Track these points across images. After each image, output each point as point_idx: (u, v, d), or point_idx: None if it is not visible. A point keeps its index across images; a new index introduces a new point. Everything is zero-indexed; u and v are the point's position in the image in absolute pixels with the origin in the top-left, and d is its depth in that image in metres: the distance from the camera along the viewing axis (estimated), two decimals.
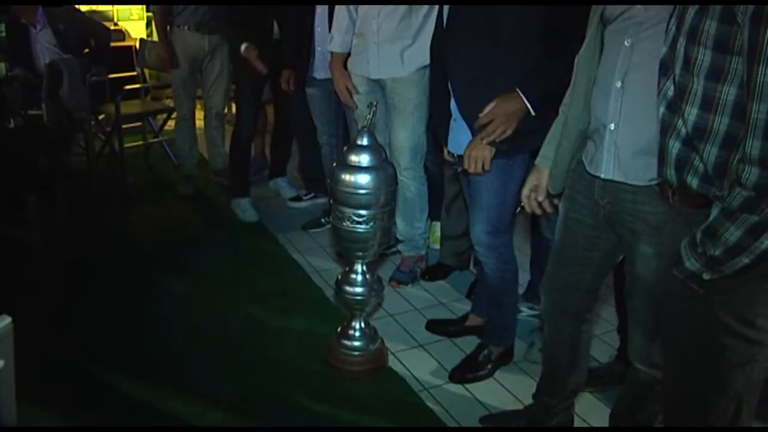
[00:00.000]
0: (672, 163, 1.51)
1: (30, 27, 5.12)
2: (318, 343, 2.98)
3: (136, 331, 3.15)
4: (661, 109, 1.52)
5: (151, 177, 5.46)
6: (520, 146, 2.44)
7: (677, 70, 1.44)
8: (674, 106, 1.47)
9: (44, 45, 5.06)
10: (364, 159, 2.53)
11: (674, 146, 1.49)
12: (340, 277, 2.85)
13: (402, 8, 3.15)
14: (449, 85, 2.55)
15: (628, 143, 1.76)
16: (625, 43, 1.73)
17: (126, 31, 7.58)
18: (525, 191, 2.20)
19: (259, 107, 4.70)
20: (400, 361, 2.93)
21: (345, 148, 2.65)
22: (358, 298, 2.78)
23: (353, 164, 2.53)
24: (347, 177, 2.52)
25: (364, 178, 2.51)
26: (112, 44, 5.52)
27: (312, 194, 4.65)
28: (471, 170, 2.47)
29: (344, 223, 2.59)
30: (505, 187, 2.55)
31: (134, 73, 5.90)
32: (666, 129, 1.51)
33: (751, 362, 1.51)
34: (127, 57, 6.35)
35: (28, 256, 3.85)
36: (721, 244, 1.37)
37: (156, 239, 4.25)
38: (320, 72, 3.86)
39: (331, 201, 2.64)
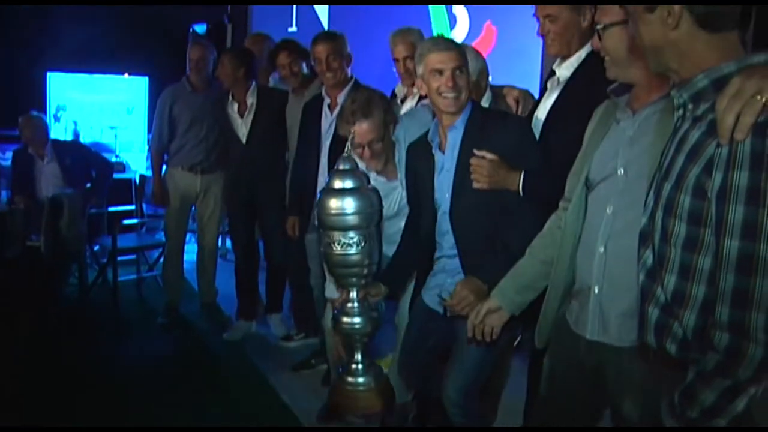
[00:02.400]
0: (651, 329, 1.57)
1: (37, 158, 5.29)
2: None
3: None
4: (641, 277, 1.59)
5: (143, 309, 5.48)
6: None
7: (656, 241, 1.52)
8: (653, 274, 1.54)
9: (49, 177, 5.22)
10: (348, 183, 2.44)
11: (653, 313, 1.55)
12: (333, 317, 2.66)
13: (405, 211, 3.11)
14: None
15: (612, 306, 1.82)
16: (607, 210, 1.83)
17: (126, 163, 7.79)
18: (476, 319, 2.21)
19: (254, 243, 4.84)
20: None
21: (329, 176, 2.54)
22: (357, 326, 2.56)
23: (338, 188, 2.44)
24: (334, 201, 2.42)
25: (349, 202, 2.41)
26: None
27: (303, 334, 4.68)
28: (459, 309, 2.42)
29: (335, 248, 2.45)
30: (494, 345, 2.48)
31: (132, 207, 6.04)
32: (645, 296, 1.58)
33: None
34: (126, 189, 6.50)
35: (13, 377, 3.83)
36: (698, 406, 1.41)
37: (143, 373, 4.22)
38: None
39: (321, 230, 2.52)
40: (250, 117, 4.46)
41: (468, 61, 2.59)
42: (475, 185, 2.50)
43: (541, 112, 2.69)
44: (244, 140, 4.49)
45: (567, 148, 2.23)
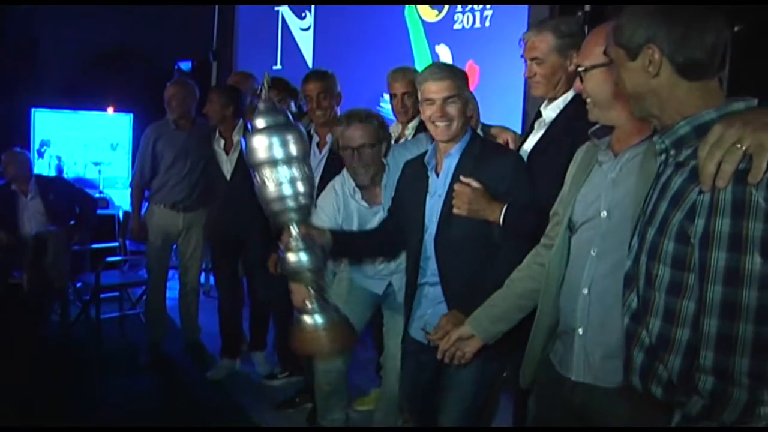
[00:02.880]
0: (637, 372, 1.58)
1: (20, 194, 5.28)
2: None
3: None
4: (626, 320, 1.59)
5: (126, 347, 5.42)
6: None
7: (641, 284, 1.52)
8: (638, 318, 1.55)
9: (33, 213, 5.20)
10: (270, 120, 2.35)
11: (638, 356, 1.56)
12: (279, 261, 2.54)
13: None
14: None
15: (597, 348, 1.84)
16: (591, 252, 1.85)
17: (110, 198, 7.77)
18: (447, 344, 2.27)
19: (237, 280, 4.83)
20: None
21: (253, 118, 2.44)
22: (304, 262, 2.41)
23: (262, 127, 2.35)
24: (260, 140, 2.33)
25: (275, 138, 2.32)
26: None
27: (287, 373, 4.65)
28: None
29: (269, 186, 2.34)
30: (483, 375, 2.56)
31: (116, 244, 6.01)
32: (630, 339, 1.58)
33: None
34: (109, 226, 6.49)
35: None
36: None
37: (126, 412, 4.16)
38: None
39: (253, 173, 2.39)
40: (236, 154, 4.47)
41: (464, 88, 2.63)
42: (455, 210, 2.53)
43: (527, 146, 2.74)
44: (228, 177, 4.50)
45: (549, 184, 2.29)
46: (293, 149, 2.34)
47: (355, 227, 3.23)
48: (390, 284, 3.29)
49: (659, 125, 1.55)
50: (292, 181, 2.34)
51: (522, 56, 2.72)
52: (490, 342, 2.25)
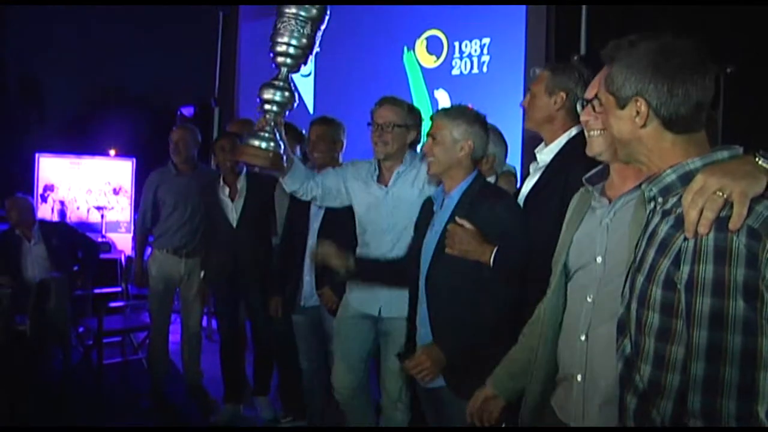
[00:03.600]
0: (631, 417, 1.59)
1: (24, 240, 5.32)
2: None
3: None
4: (620, 366, 1.61)
5: (128, 392, 5.41)
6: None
7: (632, 330, 1.55)
8: (631, 363, 1.57)
9: (36, 259, 5.23)
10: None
11: (632, 401, 1.57)
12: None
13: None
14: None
15: (596, 395, 1.84)
16: (588, 298, 1.86)
17: (112, 242, 7.82)
18: (475, 404, 2.26)
19: (239, 325, 4.84)
20: None
21: None
22: (278, 98, 3.15)
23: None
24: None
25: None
26: None
27: (290, 417, 4.63)
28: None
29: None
30: None
31: (118, 289, 6.04)
32: (624, 384, 1.60)
33: None
34: (111, 271, 6.52)
35: None
36: None
37: None
38: (308, 300, 4.00)
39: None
40: (241, 201, 4.52)
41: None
42: (447, 250, 2.62)
43: (524, 190, 2.79)
44: (234, 224, 4.54)
45: (545, 228, 2.33)
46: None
47: (363, 208, 3.45)
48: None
49: (646, 171, 1.59)
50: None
51: (527, 88, 2.83)
52: (512, 400, 2.23)
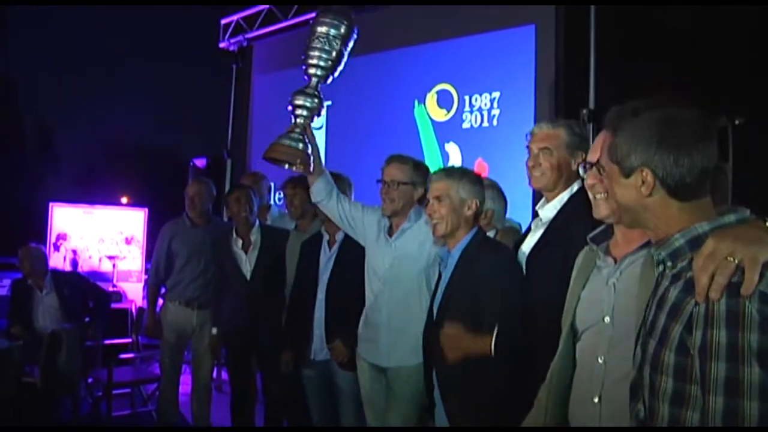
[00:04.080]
0: None
1: (35, 289, 5.34)
2: None
3: None
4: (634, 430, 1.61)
5: None
6: None
7: (646, 395, 1.54)
8: (646, 428, 1.55)
9: (47, 308, 5.25)
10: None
11: None
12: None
13: (414, 299, 3.32)
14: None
15: None
16: (599, 360, 1.86)
17: (124, 292, 7.85)
18: None
19: (250, 377, 4.82)
20: None
21: None
22: (308, 104, 3.34)
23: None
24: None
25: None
26: None
27: None
28: None
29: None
30: None
31: (129, 340, 6.04)
32: None
33: None
34: (122, 321, 6.52)
35: None
36: None
37: None
38: (318, 354, 3.98)
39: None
40: (255, 253, 4.54)
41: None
42: (449, 359, 2.66)
43: (526, 247, 2.78)
44: (248, 276, 4.55)
45: (547, 287, 2.38)
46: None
47: (370, 254, 3.56)
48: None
49: (653, 237, 1.60)
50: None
51: (527, 146, 2.80)
52: None
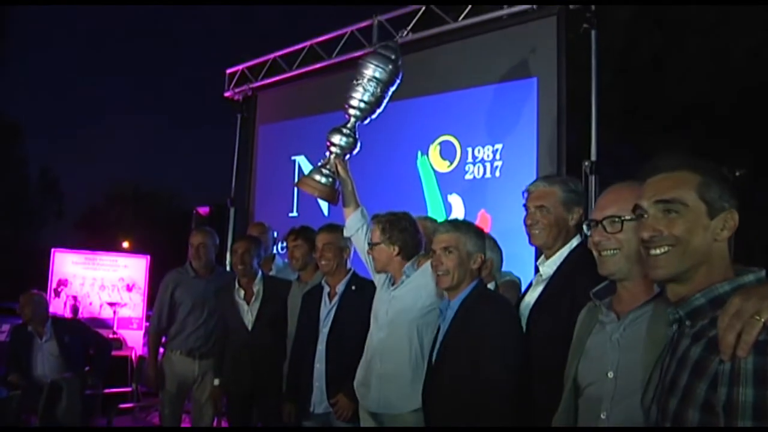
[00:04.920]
0: None
1: (35, 336, 5.31)
2: None
3: None
4: None
5: None
6: None
7: None
8: None
9: (47, 356, 5.23)
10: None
11: None
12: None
13: (404, 347, 3.32)
14: None
15: None
16: (602, 415, 1.85)
17: (124, 338, 7.80)
18: None
19: (251, 428, 4.78)
20: None
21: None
22: (342, 143, 3.63)
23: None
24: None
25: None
26: None
27: None
28: None
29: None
30: None
31: (128, 389, 5.99)
32: None
33: None
34: (122, 368, 6.48)
35: None
36: None
37: None
38: (318, 407, 3.95)
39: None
40: (257, 304, 4.52)
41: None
42: None
43: (527, 302, 2.79)
44: (250, 327, 4.52)
45: (548, 343, 2.40)
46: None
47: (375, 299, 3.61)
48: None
49: (672, 295, 1.59)
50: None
51: (524, 205, 2.82)
52: None
